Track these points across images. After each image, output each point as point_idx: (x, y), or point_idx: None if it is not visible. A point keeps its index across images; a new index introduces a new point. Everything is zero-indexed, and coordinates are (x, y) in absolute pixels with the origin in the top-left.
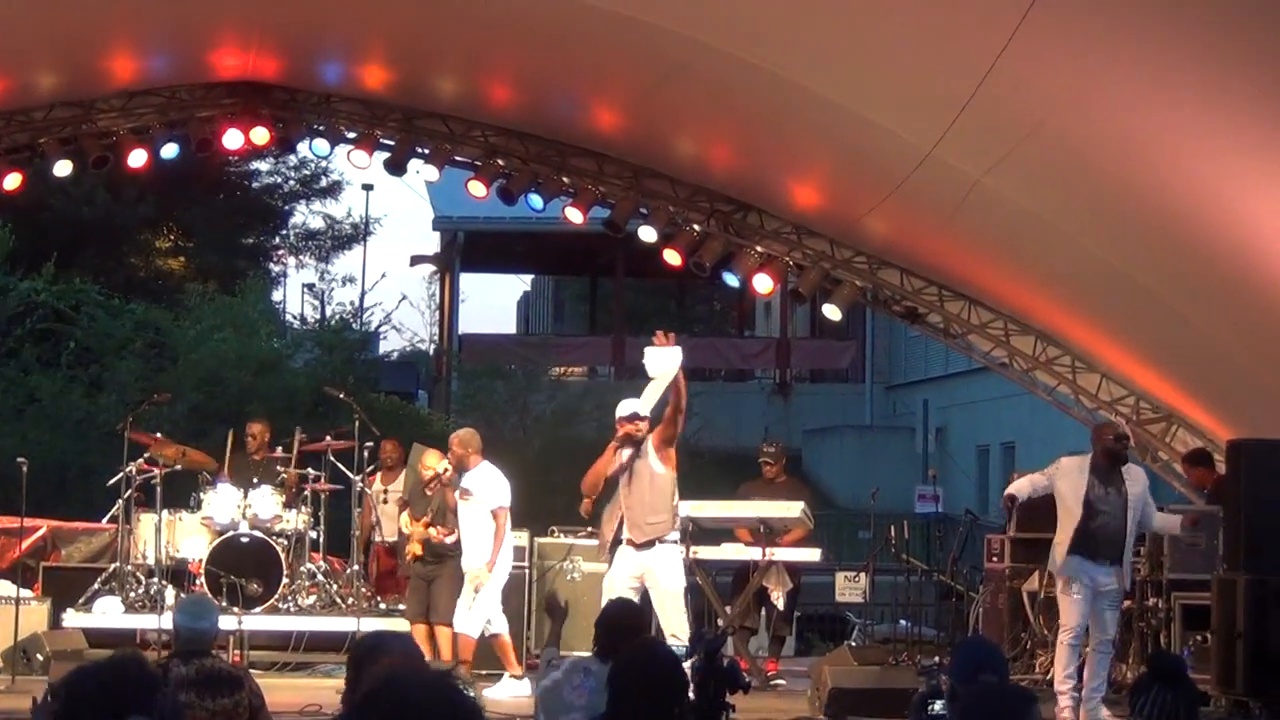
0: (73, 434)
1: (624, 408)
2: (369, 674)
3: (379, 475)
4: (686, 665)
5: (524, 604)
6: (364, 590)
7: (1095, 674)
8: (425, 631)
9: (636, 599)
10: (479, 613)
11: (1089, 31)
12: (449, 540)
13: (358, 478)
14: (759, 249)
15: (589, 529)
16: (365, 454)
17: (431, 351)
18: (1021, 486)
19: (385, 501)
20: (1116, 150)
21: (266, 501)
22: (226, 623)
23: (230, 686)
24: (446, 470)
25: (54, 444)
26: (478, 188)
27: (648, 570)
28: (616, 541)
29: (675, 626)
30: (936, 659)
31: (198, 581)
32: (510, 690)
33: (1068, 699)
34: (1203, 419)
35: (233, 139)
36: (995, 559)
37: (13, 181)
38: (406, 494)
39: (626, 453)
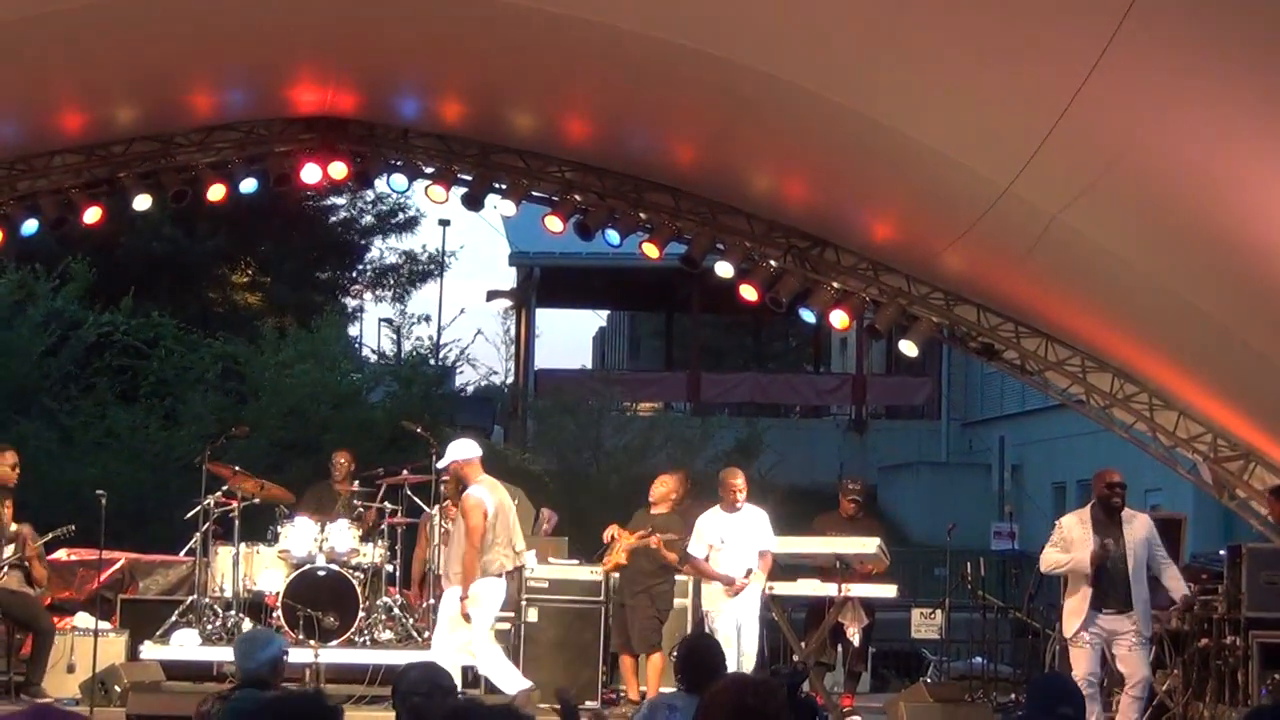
0: (150, 466)
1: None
2: (406, 705)
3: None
4: None
5: (599, 637)
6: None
7: (1126, 716)
8: (632, 664)
9: None
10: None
11: (1166, 67)
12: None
13: (434, 510)
14: (835, 284)
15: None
16: (441, 488)
17: (507, 387)
18: (1059, 563)
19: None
20: (1194, 186)
21: (344, 535)
22: (302, 655)
23: None
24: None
25: (132, 476)
26: (554, 223)
27: None
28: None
29: None
30: (1012, 696)
31: (274, 614)
32: None
33: None
34: None
35: (311, 174)
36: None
37: (93, 215)
38: None
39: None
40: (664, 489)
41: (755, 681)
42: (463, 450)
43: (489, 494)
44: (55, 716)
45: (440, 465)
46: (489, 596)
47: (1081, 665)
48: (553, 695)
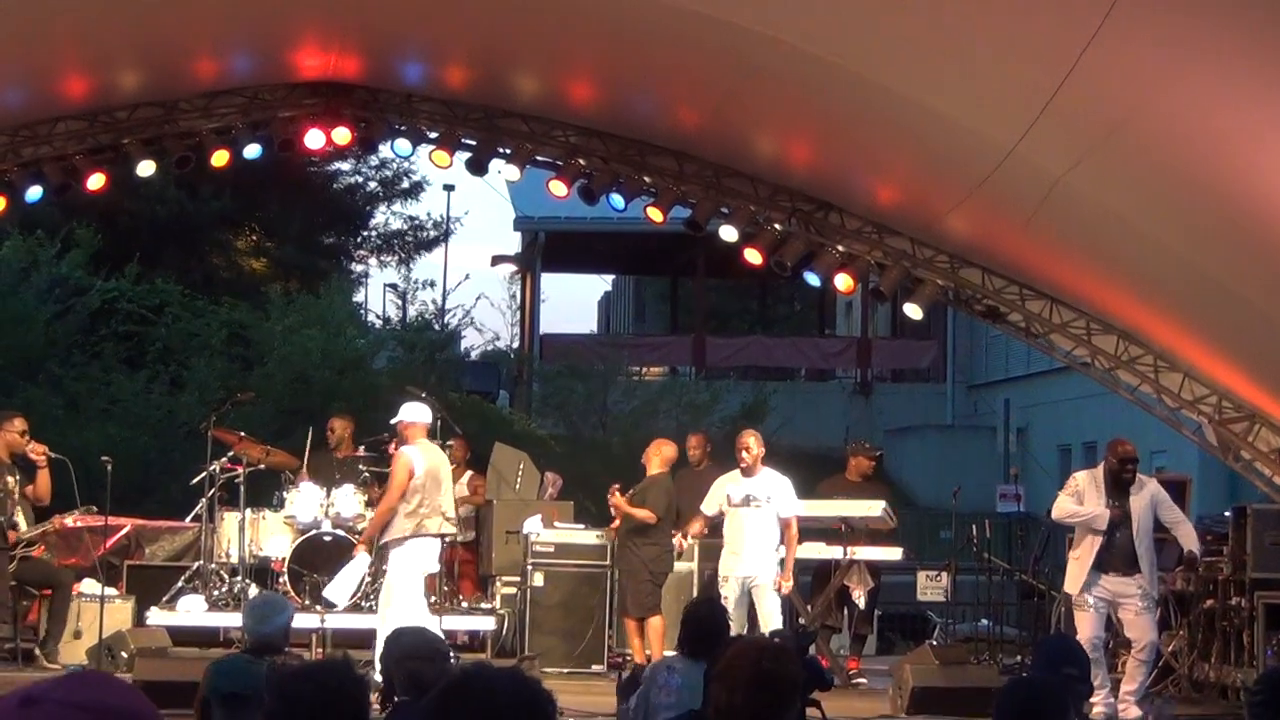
0: (156, 432)
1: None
2: (402, 670)
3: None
4: None
5: (605, 601)
6: (445, 588)
7: (1132, 678)
8: (635, 627)
9: None
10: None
11: (1172, 29)
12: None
13: None
14: (840, 248)
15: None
16: (447, 452)
17: (513, 352)
18: (1074, 512)
19: None
20: (1199, 148)
21: (349, 500)
22: (309, 621)
23: None
24: None
25: (137, 442)
26: (559, 187)
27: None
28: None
29: None
30: (1018, 658)
31: (280, 580)
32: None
33: (1100, 708)
34: None
35: (315, 139)
36: None
37: (97, 181)
38: (492, 493)
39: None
40: (653, 450)
41: (771, 646)
42: (409, 413)
43: (422, 457)
44: (95, 679)
45: (392, 421)
46: (417, 555)
47: (1086, 628)
48: (558, 659)
